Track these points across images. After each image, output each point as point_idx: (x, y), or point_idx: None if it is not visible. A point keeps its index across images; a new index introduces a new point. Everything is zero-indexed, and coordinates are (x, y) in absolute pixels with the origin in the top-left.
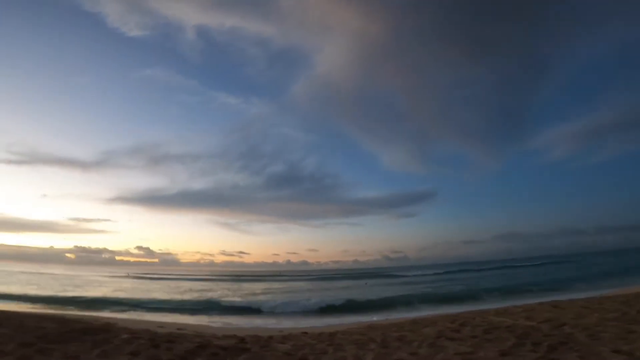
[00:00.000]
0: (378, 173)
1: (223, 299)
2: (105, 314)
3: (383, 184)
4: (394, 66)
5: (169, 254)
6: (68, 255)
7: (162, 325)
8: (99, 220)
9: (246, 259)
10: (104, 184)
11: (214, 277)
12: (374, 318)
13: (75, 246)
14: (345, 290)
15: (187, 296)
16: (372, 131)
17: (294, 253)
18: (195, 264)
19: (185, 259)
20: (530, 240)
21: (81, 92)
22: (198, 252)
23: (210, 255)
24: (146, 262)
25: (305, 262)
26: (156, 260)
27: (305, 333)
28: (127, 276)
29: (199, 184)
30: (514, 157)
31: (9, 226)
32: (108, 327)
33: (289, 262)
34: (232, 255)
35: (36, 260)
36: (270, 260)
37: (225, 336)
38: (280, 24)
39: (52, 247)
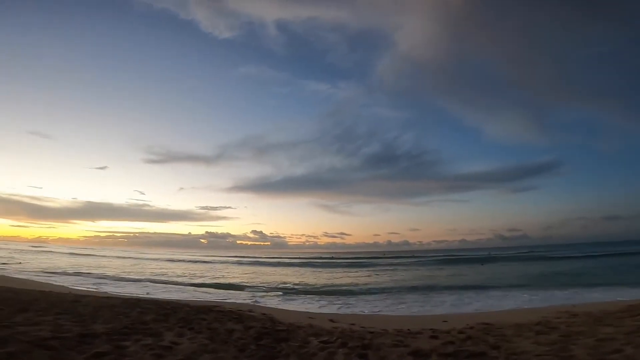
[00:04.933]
0: (482, 145)
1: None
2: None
3: (490, 156)
4: (490, 33)
5: (278, 236)
6: (202, 240)
7: (312, 316)
8: (221, 208)
9: (347, 240)
10: (223, 175)
11: (348, 262)
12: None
13: (206, 232)
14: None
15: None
16: (472, 102)
17: (395, 233)
18: (301, 246)
19: (292, 241)
20: None
21: (194, 95)
22: (303, 235)
23: (314, 237)
24: (260, 245)
25: (406, 242)
26: (268, 243)
27: None
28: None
29: (299, 169)
30: None
31: (158, 216)
32: (289, 328)
33: (389, 243)
34: (334, 236)
35: (181, 246)
36: (371, 241)
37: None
38: (352, 7)
39: (189, 233)
